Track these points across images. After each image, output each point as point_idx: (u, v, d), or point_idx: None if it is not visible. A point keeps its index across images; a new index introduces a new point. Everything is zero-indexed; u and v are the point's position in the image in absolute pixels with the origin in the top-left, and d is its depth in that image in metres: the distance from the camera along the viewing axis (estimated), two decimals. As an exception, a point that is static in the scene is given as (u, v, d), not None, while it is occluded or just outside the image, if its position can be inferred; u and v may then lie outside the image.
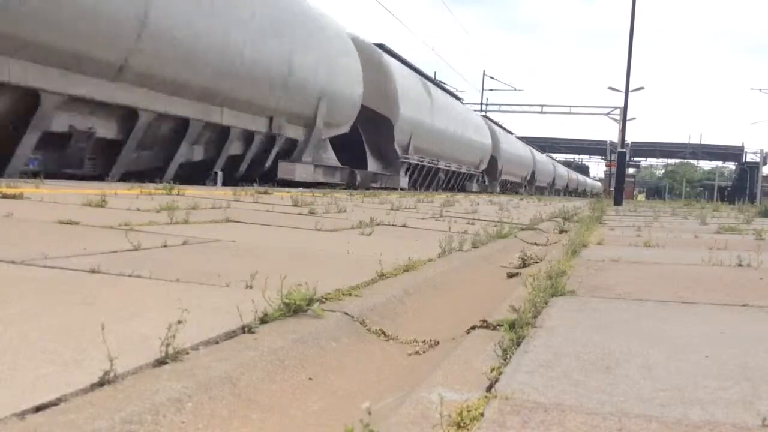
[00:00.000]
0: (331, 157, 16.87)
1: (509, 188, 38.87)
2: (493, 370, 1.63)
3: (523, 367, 1.64)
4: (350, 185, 16.83)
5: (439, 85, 29.99)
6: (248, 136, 13.35)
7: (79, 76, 9.22)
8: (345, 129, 17.42)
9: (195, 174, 12.20)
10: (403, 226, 5.85)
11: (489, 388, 1.48)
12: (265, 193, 9.22)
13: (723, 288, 3.18)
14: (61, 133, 9.33)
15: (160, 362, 1.41)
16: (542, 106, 58.10)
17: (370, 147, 19.64)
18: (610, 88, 36.64)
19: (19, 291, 2.01)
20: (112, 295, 2.06)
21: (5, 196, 5.04)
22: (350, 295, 2.32)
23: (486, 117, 39.39)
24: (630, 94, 24.06)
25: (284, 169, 14.31)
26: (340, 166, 17.02)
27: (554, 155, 71.26)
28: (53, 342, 1.51)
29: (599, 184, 76.01)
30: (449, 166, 27.10)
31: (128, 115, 10.33)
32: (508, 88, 67.73)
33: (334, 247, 3.83)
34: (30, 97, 8.72)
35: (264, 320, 1.82)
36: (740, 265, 3.98)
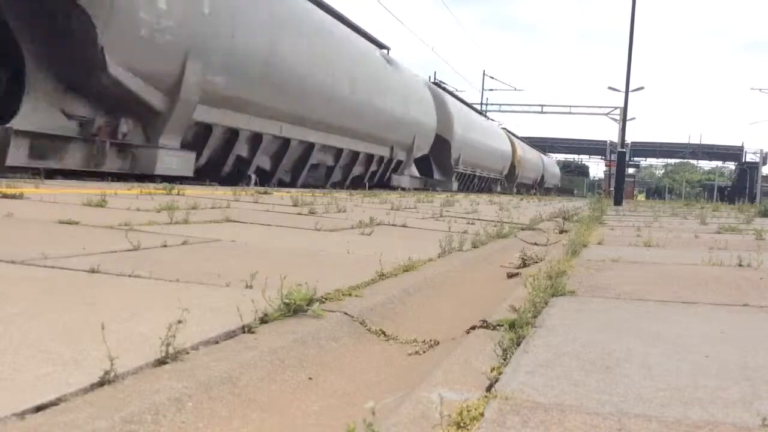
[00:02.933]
0: (415, 170, 24.92)
1: (524, 190, 44.21)
2: (493, 370, 1.63)
3: (523, 367, 1.64)
4: (424, 189, 24.15)
5: (473, 108, 38.47)
6: (380, 159, 21.27)
7: (323, 133, 16.38)
8: (425, 151, 25.07)
9: (357, 184, 19.22)
10: (403, 226, 5.85)
11: (489, 388, 1.48)
12: (265, 193, 9.22)
13: (723, 288, 3.18)
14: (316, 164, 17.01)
15: (161, 362, 1.41)
16: (542, 106, 58.15)
17: (433, 161, 27.08)
18: (610, 88, 36.70)
19: (19, 291, 2.01)
20: (112, 295, 2.06)
21: (5, 196, 5.04)
22: (350, 295, 2.32)
23: (506, 130, 44.76)
24: (630, 94, 24.04)
25: (395, 180, 22.65)
26: (419, 176, 25.42)
27: (554, 155, 71.68)
28: (53, 342, 1.51)
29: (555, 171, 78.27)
30: (483, 173, 35.02)
31: (337, 152, 17.85)
32: (508, 88, 67.87)
33: (334, 247, 3.83)
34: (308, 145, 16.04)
35: (264, 320, 1.82)
36: (740, 265, 3.98)
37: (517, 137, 46.57)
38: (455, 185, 28.56)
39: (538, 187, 50.07)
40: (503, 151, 38.41)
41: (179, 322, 1.48)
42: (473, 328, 2.09)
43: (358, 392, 1.59)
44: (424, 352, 1.98)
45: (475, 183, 33.77)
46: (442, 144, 26.51)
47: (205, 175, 12.37)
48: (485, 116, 41.78)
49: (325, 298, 2.18)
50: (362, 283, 2.58)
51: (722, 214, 13.75)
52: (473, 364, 1.70)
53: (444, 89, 29.86)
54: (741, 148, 66.98)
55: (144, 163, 10.51)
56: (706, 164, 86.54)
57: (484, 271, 3.76)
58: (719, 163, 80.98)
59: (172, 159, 10.90)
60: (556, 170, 60.96)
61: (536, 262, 3.96)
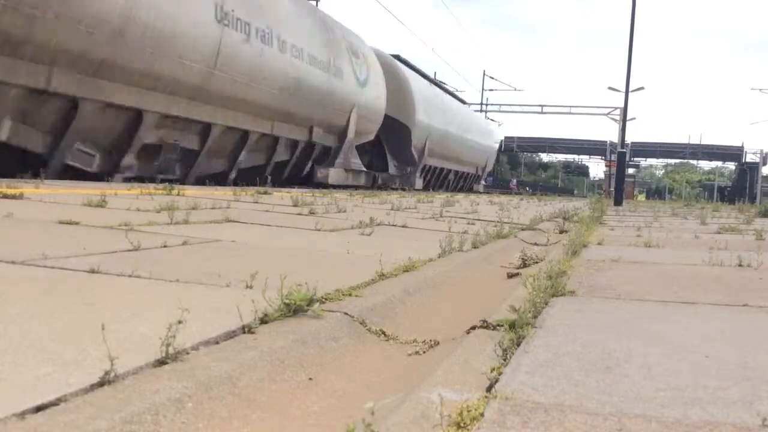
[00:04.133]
0: (483, 181, 39.44)
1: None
2: (493, 370, 1.63)
3: (523, 367, 1.64)
4: (488, 192, 34.64)
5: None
6: (471, 175, 37.51)
7: (453, 161, 34.58)
8: (491, 168, 38.75)
9: (451, 190, 32.33)
10: (403, 226, 5.85)
11: (489, 389, 1.48)
12: (265, 193, 9.22)
13: (723, 288, 3.18)
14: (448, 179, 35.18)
15: (161, 362, 1.41)
16: (542, 106, 58.11)
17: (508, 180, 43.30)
18: (610, 88, 36.74)
19: (19, 291, 2.01)
20: (112, 295, 2.06)
21: (5, 196, 5.04)
22: (350, 295, 2.32)
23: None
24: (630, 94, 24.05)
25: (476, 187, 35.15)
26: (485, 184, 39.44)
27: (554, 156, 72.26)
28: (53, 342, 1.51)
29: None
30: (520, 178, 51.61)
31: (455, 172, 37.15)
32: (508, 88, 68.02)
33: (334, 247, 3.83)
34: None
35: (264, 320, 1.82)
36: (740, 265, 3.98)
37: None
38: (482, 187, 41.21)
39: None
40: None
41: (179, 322, 1.48)
42: (473, 328, 2.09)
43: (358, 392, 1.59)
44: (424, 352, 1.98)
45: (511, 189, 47.39)
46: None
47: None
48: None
49: (325, 299, 2.18)
50: (362, 283, 2.58)
51: (722, 215, 13.75)
52: (473, 364, 1.70)
53: (501, 139, 47.45)
54: (741, 148, 66.89)
55: (409, 182, 24.72)
56: (706, 164, 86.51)
57: (484, 271, 3.76)
58: (719, 164, 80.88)
59: (419, 181, 25.98)
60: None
61: (536, 262, 3.96)
